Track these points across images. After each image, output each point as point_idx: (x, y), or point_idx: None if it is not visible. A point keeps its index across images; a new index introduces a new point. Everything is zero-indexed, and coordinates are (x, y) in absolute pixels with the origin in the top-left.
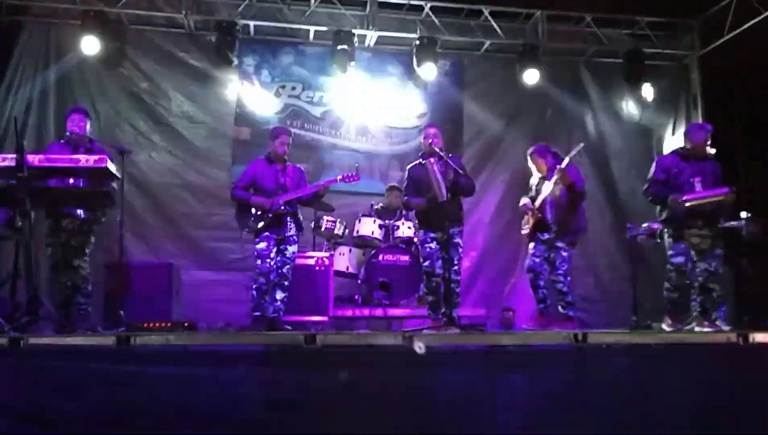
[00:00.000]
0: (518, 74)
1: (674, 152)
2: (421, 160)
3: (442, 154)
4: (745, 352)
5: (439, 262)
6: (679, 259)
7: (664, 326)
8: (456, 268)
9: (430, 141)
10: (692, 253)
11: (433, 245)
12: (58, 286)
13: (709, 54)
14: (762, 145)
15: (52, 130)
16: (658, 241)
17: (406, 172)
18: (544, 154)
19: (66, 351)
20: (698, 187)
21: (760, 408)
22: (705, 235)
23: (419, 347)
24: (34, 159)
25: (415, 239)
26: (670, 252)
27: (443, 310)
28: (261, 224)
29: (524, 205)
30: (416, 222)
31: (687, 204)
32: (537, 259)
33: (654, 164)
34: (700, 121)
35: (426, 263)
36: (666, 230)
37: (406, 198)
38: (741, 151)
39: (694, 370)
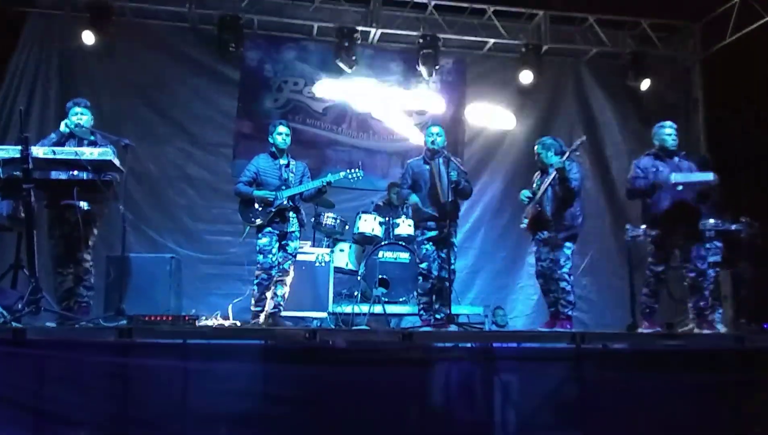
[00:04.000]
0: (520, 73)
1: (648, 154)
2: (425, 158)
3: (449, 156)
4: (742, 355)
5: (436, 264)
6: (660, 268)
7: (642, 329)
8: (453, 266)
9: (432, 140)
10: (677, 257)
11: (429, 247)
12: (60, 278)
13: (711, 57)
14: (763, 148)
15: (55, 122)
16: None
17: (407, 166)
18: (549, 147)
19: (67, 343)
20: (679, 187)
21: (756, 409)
22: (687, 239)
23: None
24: (38, 151)
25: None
26: (650, 259)
27: (435, 309)
28: (264, 219)
29: (523, 196)
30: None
31: (678, 187)
32: (545, 264)
33: (632, 167)
34: (701, 123)
35: (423, 265)
36: (648, 236)
37: (406, 191)
38: (741, 155)
39: (692, 371)
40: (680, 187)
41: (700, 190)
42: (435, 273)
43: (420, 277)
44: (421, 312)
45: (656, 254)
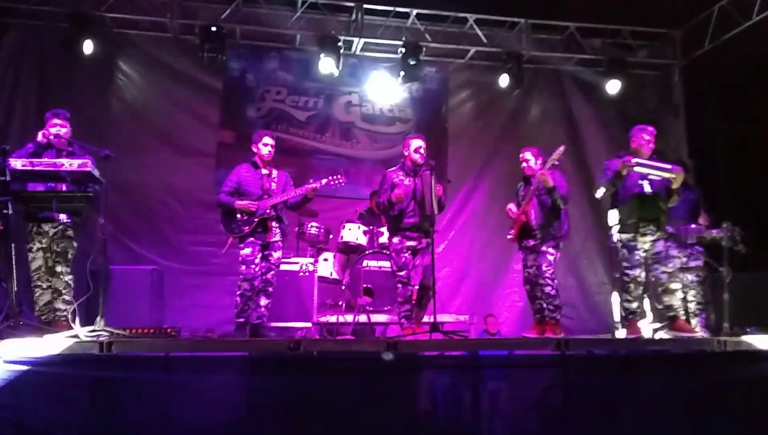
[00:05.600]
0: (502, 82)
1: (619, 156)
2: (406, 170)
3: (433, 167)
4: (723, 358)
5: (414, 272)
6: (635, 272)
7: (625, 334)
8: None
9: (415, 153)
10: (647, 259)
11: (407, 255)
12: (39, 291)
13: (691, 64)
14: (743, 154)
15: (35, 133)
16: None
17: (385, 176)
18: (536, 155)
19: (47, 358)
20: (647, 188)
21: (738, 411)
22: (656, 240)
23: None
24: (16, 163)
25: None
26: (624, 264)
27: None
28: (246, 229)
29: (509, 210)
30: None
31: (636, 167)
32: (531, 271)
33: (603, 169)
34: (682, 129)
35: (402, 273)
36: (619, 241)
37: (382, 199)
38: (722, 160)
39: (676, 375)
40: (647, 185)
41: (668, 178)
42: (414, 281)
43: (399, 285)
44: (402, 320)
45: (629, 259)
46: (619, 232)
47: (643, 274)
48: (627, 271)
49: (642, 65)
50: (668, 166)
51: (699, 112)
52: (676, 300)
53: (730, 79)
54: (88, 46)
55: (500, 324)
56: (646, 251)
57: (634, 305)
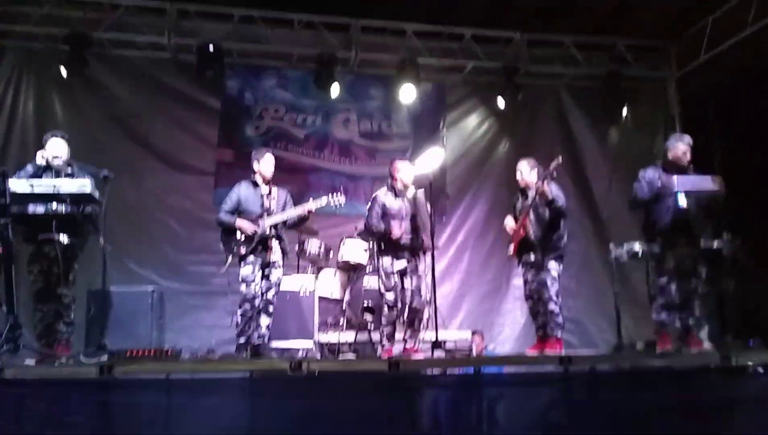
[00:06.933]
0: (499, 96)
1: (655, 165)
2: (396, 192)
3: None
4: (728, 372)
5: (402, 294)
6: (663, 280)
7: (659, 349)
8: (427, 294)
9: (405, 177)
10: (675, 272)
11: (396, 278)
12: (39, 314)
13: (687, 75)
14: (739, 165)
15: (33, 155)
16: (641, 261)
17: (376, 198)
18: (531, 166)
19: (47, 381)
20: (682, 200)
21: (742, 426)
22: (688, 253)
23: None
24: (16, 185)
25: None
26: (657, 274)
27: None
28: (246, 249)
29: (507, 226)
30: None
31: (681, 192)
32: (533, 286)
33: (638, 178)
34: None
35: (390, 296)
36: (649, 250)
37: (374, 223)
38: (719, 172)
39: (679, 390)
40: (683, 199)
41: (707, 202)
42: (400, 304)
43: (386, 307)
44: (384, 342)
45: (659, 268)
46: (649, 241)
47: (673, 285)
48: (657, 280)
49: (638, 78)
50: (708, 182)
51: (695, 123)
52: (693, 319)
53: (726, 90)
54: (84, 67)
55: (500, 341)
56: (675, 264)
57: (665, 316)
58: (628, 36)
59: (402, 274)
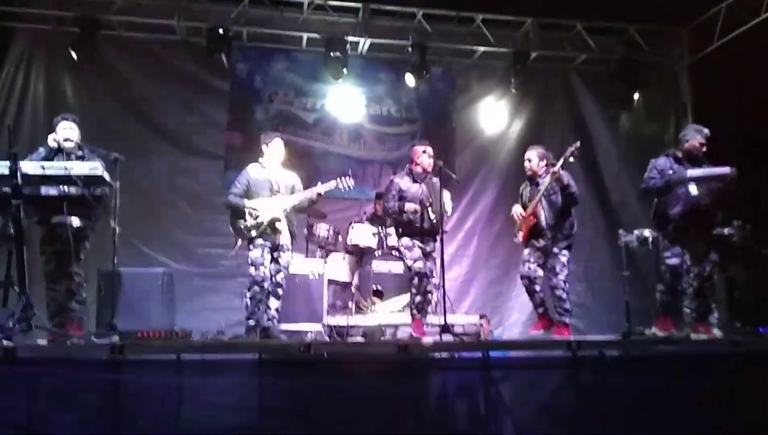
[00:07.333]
0: (509, 81)
1: (667, 154)
2: (415, 177)
3: (447, 173)
4: (738, 359)
5: (428, 265)
6: (675, 261)
7: (655, 331)
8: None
9: (427, 160)
10: (686, 256)
11: (419, 251)
12: (52, 293)
13: (699, 62)
14: (752, 151)
15: (45, 137)
16: (650, 247)
17: (395, 182)
18: (540, 156)
19: (59, 361)
20: (693, 189)
21: (753, 413)
22: (700, 238)
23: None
24: (27, 167)
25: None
26: (665, 253)
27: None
28: (255, 232)
29: (515, 213)
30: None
31: (692, 183)
32: (531, 265)
33: (649, 166)
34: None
35: (419, 264)
36: (661, 233)
37: (390, 204)
38: (730, 159)
39: (688, 376)
40: (693, 188)
41: (719, 192)
42: (431, 276)
43: (416, 277)
44: (414, 312)
45: (671, 249)
46: (661, 225)
47: (684, 267)
48: (667, 261)
49: (650, 63)
50: (722, 170)
51: (707, 110)
52: (704, 305)
53: (739, 77)
54: (95, 50)
55: (510, 326)
56: (687, 248)
57: (670, 298)
58: (640, 21)
59: (423, 254)
